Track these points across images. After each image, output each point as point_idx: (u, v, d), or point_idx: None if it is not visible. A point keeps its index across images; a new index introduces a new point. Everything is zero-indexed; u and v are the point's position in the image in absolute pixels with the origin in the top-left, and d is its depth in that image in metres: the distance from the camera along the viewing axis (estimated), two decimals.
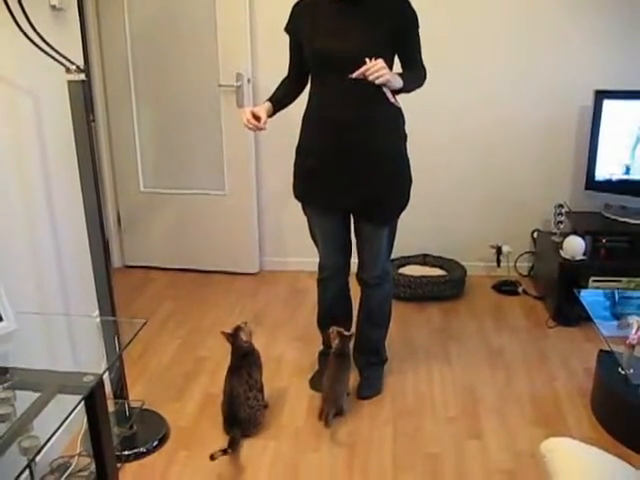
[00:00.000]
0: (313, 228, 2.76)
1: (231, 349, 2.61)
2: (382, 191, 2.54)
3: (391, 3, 2.39)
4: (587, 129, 3.57)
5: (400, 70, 2.43)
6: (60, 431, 1.52)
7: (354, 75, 2.16)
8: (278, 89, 2.63)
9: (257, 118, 2.40)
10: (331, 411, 2.62)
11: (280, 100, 2.58)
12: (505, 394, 2.86)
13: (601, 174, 3.57)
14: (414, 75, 2.43)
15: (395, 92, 2.29)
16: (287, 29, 2.54)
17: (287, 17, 2.53)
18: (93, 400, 1.74)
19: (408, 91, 2.36)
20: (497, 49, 3.70)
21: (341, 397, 2.67)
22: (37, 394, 1.61)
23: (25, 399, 1.60)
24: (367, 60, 2.15)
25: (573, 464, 1.64)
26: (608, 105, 3.48)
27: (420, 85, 2.46)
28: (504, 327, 3.47)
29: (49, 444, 1.49)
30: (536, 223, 3.97)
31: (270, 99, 2.56)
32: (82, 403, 1.65)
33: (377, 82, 2.16)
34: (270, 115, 2.49)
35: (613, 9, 3.55)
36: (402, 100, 2.42)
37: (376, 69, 2.15)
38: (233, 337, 2.59)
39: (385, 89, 2.23)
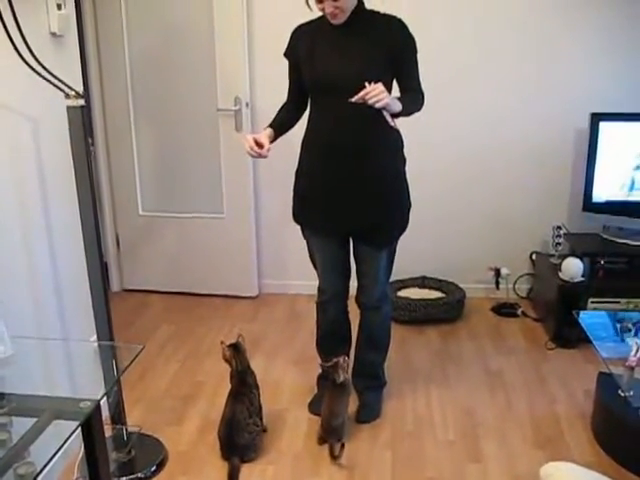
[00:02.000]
0: (312, 251, 2.76)
1: (230, 370, 2.60)
2: (382, 214, 2.55)
3: (389, 28, 2.41)
4: (584, 151, 3.58)
5: (398, 94, 2.45)
6: (57, 457, 1.51)
7: (354, 99, 2.18)
8: (278, 114, 2.64)
9: (259, 145, 2.41)
10: (335, 444, 2.59)
11: (281, 125, 2.59)
12: (505, 417, 2.84)
13: (598, 196, 3.59)
14: (412, 99, 2.44)
15: (394, 116, 2.31)
16: (286, 54, 2.57)
17: (286, 41, 2.55)
18: (90, 426, 1.73)
19: (407, 115, 2.37)
20: (494, 73, 3.73)
21: (341, 428, 2.63)
22: (34, 420, 1.60)
23: (21, 425, 1.58)
24: (366, 84, 2.17)
25: None
26: (604, 127, 3.50)
27: (419, 109, 2.48)
28: (503, 349, 3.46)
29: (45, 470, 1.48)
30: (534, 245, 3.97)
31: (271, 125, 2.56)
32: (79, 429, 1.64)
33: (377, 106, 2.17)
34: (271, 141, 2.50)
35: (609, 32, 3.59)
36: (402, 125, 2.44)
37: (375, 93, 2.16)
38: (235, 348, 2.59)
39: (385, 113, 2.24)
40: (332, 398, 2.65)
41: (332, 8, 2.31)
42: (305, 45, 2.49)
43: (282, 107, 2.66)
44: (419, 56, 2.47)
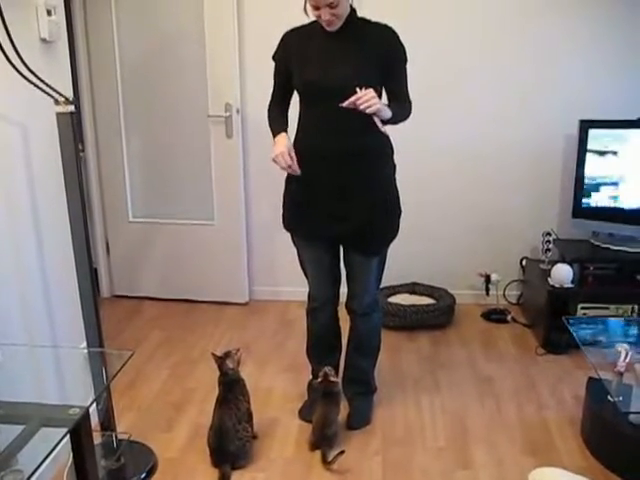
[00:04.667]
0: (302, 258, 2.76)
1: (218, 377, 2.60)
2: (372, 221, 2.55)
3: (381, 36, 2.42)
4: (573, 158, 3.60)
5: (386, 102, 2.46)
6: (45, 465, 1.50)
7: (345, 104, 2.18)
8: (276, 118, 2.57)
9: (292, 157, 2.39)
10: (326, 451, 2.58)
11: (286, 126, 2.54)
12: (495, 423, 2.85)
13: (588, 202, 3.60)
14: (401, 107, 2.45)
15: (382, 122, 2.31)
16: (275, 57, 2.56)
17: (276, 47, 2.55)
18: (79, 433, 1.72)
19: (394, 123, 2.38)
20: (485, 80, 3.75)
21: (334, 436, 2.63)
22: (22, 427, 1.59)
23: (9, 432, 1.57)
24: (357, 90, 2.18)
25: None
26: (593, 134, 3.51)
27: (406, 118, 2.48)
28: (493, 355, 3.46)
29: (33, 478, 1.47)
30: (525, 251, 3.98)
31: (281, 129, 2.50)
32: (68, 436, 1.63)
33: (368, 111, 2.18)
34: None
35: (598, 40, 3.62)
36: (392, 131, 2.44)
37: (367, 98, 2.17)
38: (220, 360, 2.59)
39: (375, 118, 2.25)
40: (324, 407, 2.64)
41: (329, 15, 2.32)
42: (296, 50, 2.49)
43: (273, 110, 2.61)
44: (414, 62, 2.48)
